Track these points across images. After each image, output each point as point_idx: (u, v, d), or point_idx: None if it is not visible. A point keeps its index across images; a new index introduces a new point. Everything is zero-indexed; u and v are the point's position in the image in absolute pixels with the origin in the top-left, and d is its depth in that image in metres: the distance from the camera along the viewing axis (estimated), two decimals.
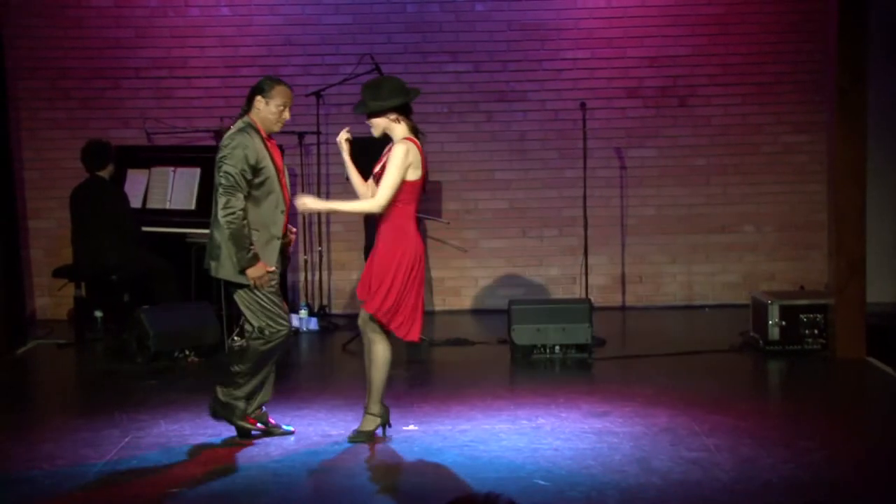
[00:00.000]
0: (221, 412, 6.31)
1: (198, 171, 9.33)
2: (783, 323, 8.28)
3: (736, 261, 10.44)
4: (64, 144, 10.05)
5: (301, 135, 9.65)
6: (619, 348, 8.76)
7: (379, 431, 6.28)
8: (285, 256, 6.44)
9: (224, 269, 6.12)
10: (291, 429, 6.43)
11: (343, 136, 6.29)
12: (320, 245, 10.00)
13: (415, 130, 6.13)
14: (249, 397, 6.30)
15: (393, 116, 6.08)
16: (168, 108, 10.18)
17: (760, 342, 8.39)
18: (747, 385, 7.97)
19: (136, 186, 9.44)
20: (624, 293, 10.45)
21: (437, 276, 10.30)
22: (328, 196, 10.04)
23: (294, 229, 6.50)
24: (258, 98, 6.13)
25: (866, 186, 8.16)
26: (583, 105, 9.33)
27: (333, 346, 9.02)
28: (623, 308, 10.40)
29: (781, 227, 10.40)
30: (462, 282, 10.45)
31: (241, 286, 6.11)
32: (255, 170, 6.04)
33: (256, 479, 5.78)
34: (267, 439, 6.31)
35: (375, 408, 6.23)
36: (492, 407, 6.94)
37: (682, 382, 7.56)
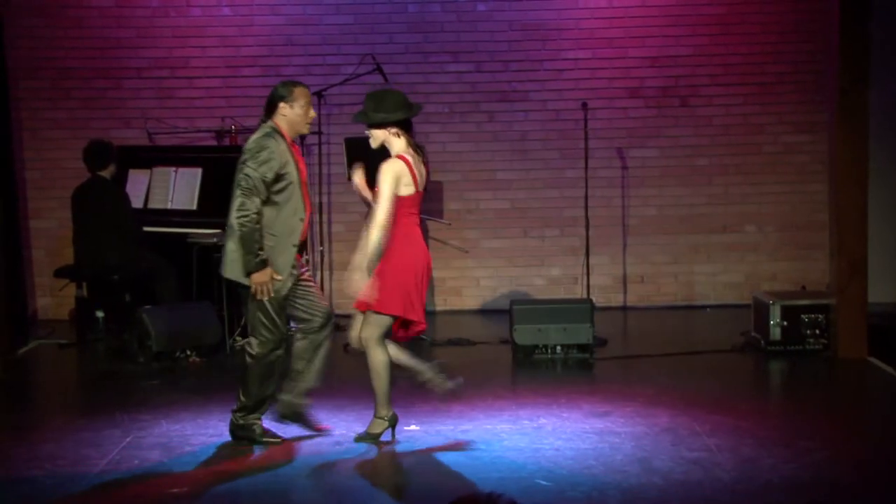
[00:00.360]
0: (241, 433, 6.30)
1: (199, 171, 9.33)
2: (784, 323, 8.27)
3: (737, 261, 10.44)
4: (65, 144, 10.06)
5: (302, 135, 9.63)
6: (621, 348, 8.76)
7: (388, 436, 6.27)
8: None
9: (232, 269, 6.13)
10: (280, 440, 6.34)
11: (357, 177, 6.29)
12: (321, 245, 10.00)
13: (414, 146, 6.13)
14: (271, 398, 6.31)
15: (393, 130, 6.09)
16: (169, 108, 10.18)
17: (762, 342, 8.38)
18: (748, 385, 7.97)
19: (138, 186, 9.44)
20: (625, 293, 10.45)
21: (438, 276, 10.28)
22: (329, 196, 10.08)
23: (305, 268, 6.39)
24: (281, 105, 6.12)
25: (868, 186, 8.16)
26: (584, 105, 9.33)
27: (335, 346, 8.99)
28: (624, 308, 10.40)
29: (783, 227, 10.40)
30: (463, 282, 10.45)
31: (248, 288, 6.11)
32: (279, 175, 6.02)
33: (258, 479, 5.78)
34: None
35: (383, 411, 6.24)
36: (493, 407, 6.95)
37: (684, 382, 7.56)
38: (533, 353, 8.31)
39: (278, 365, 6.26)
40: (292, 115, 6.13)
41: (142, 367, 8.19)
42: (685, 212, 10.41)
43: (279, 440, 6.29)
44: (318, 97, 9.65)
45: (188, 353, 8.36)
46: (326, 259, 10.12)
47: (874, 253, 8.59)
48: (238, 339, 8.73)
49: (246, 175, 5.98)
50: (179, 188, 9.38)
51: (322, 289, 10.12)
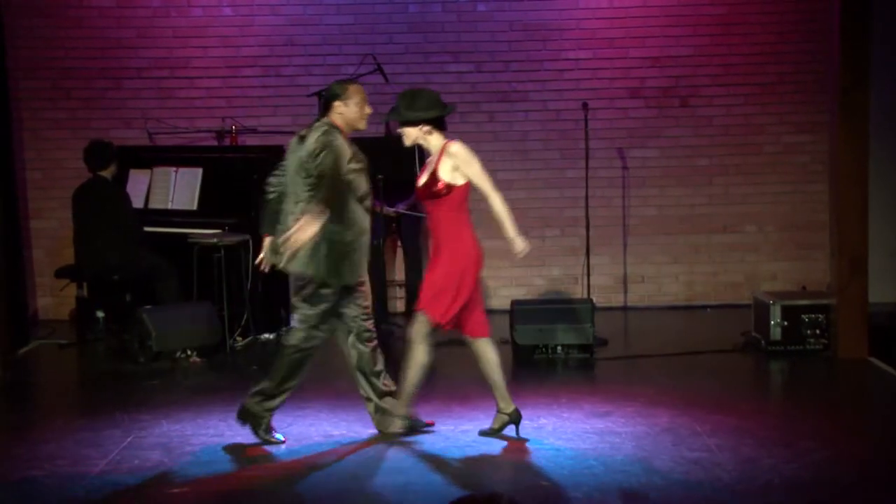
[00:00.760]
0: (248, 419, 6.30)
1: (200, 171, 9.33)
2: (785, 323, 8.27)
3: (738, 261, 10.43)
4: (66, 144, 10.06)
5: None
6: (621, 348, 8.76)
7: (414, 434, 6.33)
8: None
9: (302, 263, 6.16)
10: (282, 438, 6.37)
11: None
12: None
13: None
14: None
15: (426, 128, 6.12)
16: (170, 109, 10.18)
17: (762, 342, 8.38)
18: (749, 385, 7.96)
19: (138, 186, 9.45)
20: (626, 293, 10.45)
21: None
22: None
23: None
24: (337, 104, 6.17)
25: (868, 186, 8.16)
26: (585, 105, 9.32)
27: (337, 346, 8.99)
28: (625, 308, 10.40)
29: (783, 227, 10.39)
30: None
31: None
32: (348, 169, 6.06)
33: (258, 478, 5.79)
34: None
35: (403, 410, 6.25)
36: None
37: (684, 382, 7.56)
38: (534, 353, 8.31)
39: (308, 361, 6.29)
40: (349, 112, 6.18)
41: (142, 367, 8.20)
42: (685, 212, 10.41)
43: (281, 441, 6.29)
44: (319, 97, 9.65)
45: (188, 353, 8.36)
46: None
47: (874, 253, 8.58)
48: (238, 339, 8.74)
49: (321, 169, 5.98)
50: (180, 188, 9.39)
51: None
